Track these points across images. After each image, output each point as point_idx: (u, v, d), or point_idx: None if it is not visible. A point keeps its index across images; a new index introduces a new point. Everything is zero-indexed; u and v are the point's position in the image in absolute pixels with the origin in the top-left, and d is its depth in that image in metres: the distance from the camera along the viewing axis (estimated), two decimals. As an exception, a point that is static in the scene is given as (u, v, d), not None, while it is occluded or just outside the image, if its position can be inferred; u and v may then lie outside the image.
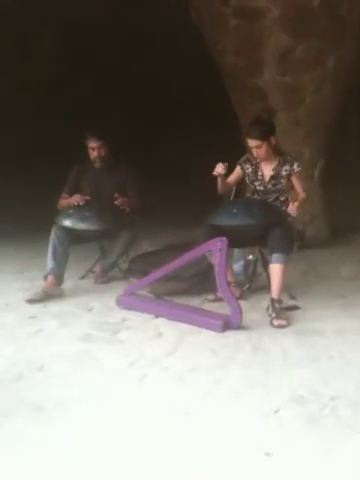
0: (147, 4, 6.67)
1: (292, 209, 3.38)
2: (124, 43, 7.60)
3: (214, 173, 3.48)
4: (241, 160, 3.72)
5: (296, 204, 3.40)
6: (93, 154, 4.10)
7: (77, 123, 4.93)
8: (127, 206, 3.92)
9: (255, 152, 3.55)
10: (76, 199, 3.98)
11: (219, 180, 3.56)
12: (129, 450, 1.91)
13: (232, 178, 3.73)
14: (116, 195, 3.89)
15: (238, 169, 3.73)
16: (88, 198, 3.98)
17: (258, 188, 3.66)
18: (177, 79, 7.41)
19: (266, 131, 3.54)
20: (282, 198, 3.62)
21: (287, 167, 3.57)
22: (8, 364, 2.66)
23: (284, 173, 3.57)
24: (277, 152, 3.60)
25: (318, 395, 2.27)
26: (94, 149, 4.08)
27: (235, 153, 3.82)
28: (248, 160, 3.69)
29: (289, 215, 3.48)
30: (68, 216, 3.86)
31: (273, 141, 3.54)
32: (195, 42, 5.09)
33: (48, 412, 2.18)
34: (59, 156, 5.84)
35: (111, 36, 7.41)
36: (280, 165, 3.58)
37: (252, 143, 3.52)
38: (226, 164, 3.47)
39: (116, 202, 3.88)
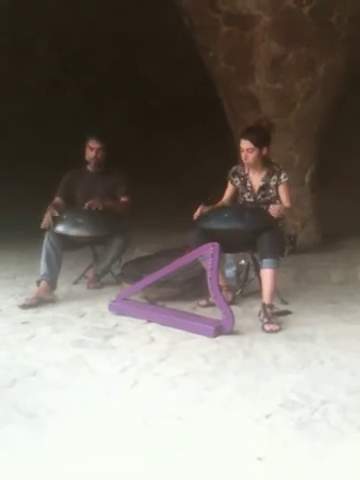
0: (146, 7, 6.69)
1: (273, 209, 3.35)
2: (123, 46, 7.63)
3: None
4: (229, 174, 3.72)
5: (278, 207, 3.39)
6: (90, 154, 4.13)
7: (75, 126, 4.95)
8: (99, 205, 3.90)
9: (244, 155, 3.53)
10: (47, 223, 3.83)
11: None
12: (122, 456, 1.92)
13: (227, 196, 3.74)
14: (88, 203, 3.89)
15: (230, 185, 3.73)
16: (57, 215, 3.91)
17: (248, 199, 3.66)
18: (175, 83, 7.44)
19: (262, 139, 3.53)
20: None
21: (275, 177, 3.57)
22: (1, 370, 2.66)
23: (272, 183, 3.57)
24: (266, 163, 3.60)
25: (309, 400, 2.29)
26: (92, 149, 4.11)
27: (232, 159, 3.85)
28: (236, 173, 3.70)
29: (280, 219, 3.51)
30: (61, 222, 3.86)
31: (265, 151, 3.53)
32: (194, 45, 5.12)
33: (41, 418, 2.19)
34: (55, 160, 5.85)
35: (110, 39, 7.43)
36: (269, 176, 3.58)
37: (245, 145, 3.50)
38: (204, 206, 3.49)
39: (87, 204, 3.88)
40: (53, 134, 7.46)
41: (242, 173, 3.67)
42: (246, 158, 3.53)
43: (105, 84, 7.73)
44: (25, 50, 7.36)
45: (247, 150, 3.51)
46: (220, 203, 3.70)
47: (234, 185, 3.72)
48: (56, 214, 3.87)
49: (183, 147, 7.53)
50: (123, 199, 4.13)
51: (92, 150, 4.12)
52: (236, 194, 3.75)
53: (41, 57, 7.58)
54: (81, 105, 7.37)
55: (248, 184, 3.65)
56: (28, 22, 7.04)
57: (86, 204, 3.90)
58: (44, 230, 3.88)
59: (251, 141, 3.49)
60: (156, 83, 7.62)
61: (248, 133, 3.55)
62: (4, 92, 6.92)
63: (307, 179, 5.13)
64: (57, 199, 4.12)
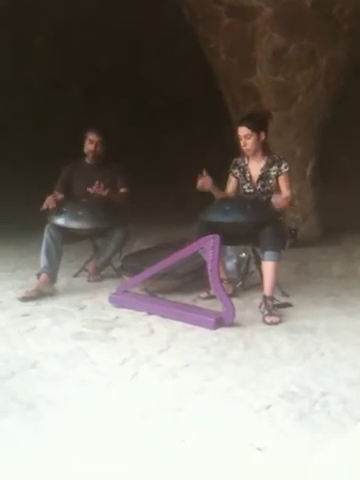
0: (146, 6, 6.67)
1: (277, 200, 3.36)
2: (123, 45, 7.60)
3: (200, 188, 3.46)
4: (230, 168, 3.71)
5: (281, 196, 3.39)
6: (89, 147, 4.13)
7: (75, 126, 4.92)
8: (102, 192, 3.87)
9: (243, 143, 3.52)
10: (48, 203, 3.84)
11: (214, 193, 3.55)
12: (121, 447, 1.92)
13: (230, 188, 3.72)
14: (90, 189, 3.86)
15: (232, 178, 3.72)
16: (61, 196, 3.93)
17: (247, 191, 3.65)
18: (176, 82, 7.41)
19: (258, 123, 3.54)
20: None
21: (275, 167, 3.55)
22: (0, 362, 2.65)
23: (272, 173, 3.55)
24: (265, 151, 3.58)
25: (309, 391, 2.29)
26: (92, 142, 4.12)
27: (232, 154, 3.84)
28: (236, 164, 3.69)
29: (281, 213, 3.50)
30: (61, 214, 3.85)
31: (263, 136, 3.53)
32: (195, 43, 5.11)
33: (40, 410, 2.18)
34: (54, 156, 5.84)
35: (110, 38, 7.40)
36: (268, 165, 3.56)
37: (242, 131, 3.51)
38: (206, 178, 3.45)
39: (92, 189, 3.86)
40: (53, 133, 7.44)
41: (242, 164, 3.67)
42: (245, 145, 3.53)
43: (105, 83, 7.71)
44: (25, 49, 7.33)
45: (245, 137, 3.51)
46: (225, 193, 3.67)
47: (235, 177, 3.70)
48: (59, 196, 3.85)
49: (183, 145, 7.51)
50: (122, 190, 4.13)
51: (91, 143, 4.12)
52: (238, 186, 3.74)
53: (41, 56, 7.55)
54: (81, 104, 7.36)
55: (247, 174, 3.64)
56: (28, 21, 7.02)
57: (91, 190, 3.87)
58: (44, 223, 3.87)
59: (248, 127, 3.49)
60: (156, 82, 7.59)
61: (244, 120, 3.57)
62: (4, 91, 6.90)
63: (308, 173, 5.12)
64: (56, 192, 4.10)
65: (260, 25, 4.62)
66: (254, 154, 3.57)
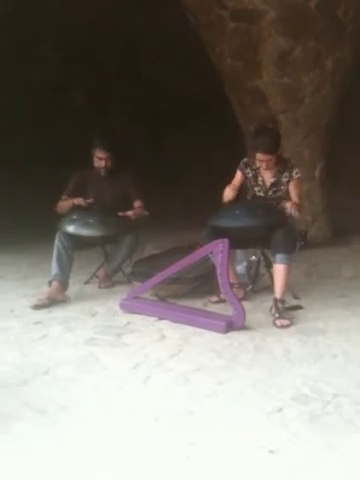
0: (148, 6, 6.71)
1: (287, 208, 3.39)
2: (127, 46, 7.64)
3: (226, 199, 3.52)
4: (241, 164, 3.68)
5: (290, 203, 3.40)
6: (99, 163, 4.09)
7: (79, 127, 4.96)
8: (132, 216, 3.93)
9: (264, 165, 3.50)
10: (79, 200, 3.95)
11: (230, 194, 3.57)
12: (134, 451, 1.93)
13: (236, 184, 3.69)
14: (121, 214, 3.94)
15: (239, 174, 3.69)
16: (91, 201, 3.98)
17: (258, 194, 3.65)
18: (180, 82, 7.44)
19: (277, 144, 3.52)
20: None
21: (287, 173, 3.55)
22: (14, 369, 2.68)
23: (284, 179, 3.56)
24: (278, 159, 3.57)
25: (321, 393, 2.29)
26: (101, 159, 4.07)
27: (238, 155, 3.85)
28: (248, 165, 3.66)
29: (290, 215, 3.50)
30: (71, 222, 3.86)
31: (279, 151, 3.55)
32: (198, 45, 5.13)
33: (53, 415, 2.20)
34: (62, 161, 5.87)
35: (114, 39, 7.44)
36: (280, 172, 3.57)
37: (263, 157, 3.47)
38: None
39: (121, 214, 3.92)
40: (59, 136, 7.48)
41: (254, 167, 3.64)
42: (267, 167, 3.52)
43: (109, 85, 7.74)
44: (28, 52, 7.39)
45: (267, 161, 3.49)
46: (231, 186, 3.62)
47: (245, 176, 3.67)
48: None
49: (189, 146, 7.52)
50: (137, 203, 4.09)
51: (101, 160, 4.07)
52: (244, 183, 3.71)
53: (45, 58, 7.60)
54: (85, 106, 7.39)
55: (259, 178, 3.63)
56: (31, 24, 7.07)
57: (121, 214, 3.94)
58: (55, 230, 3.88)
59: (269, 152, 3.46)
60: (161, 83, 7.62)
61: (262, 145, 3.46)
62: (8, 94, 6.95)
63: (317, 174, 5.11)
64: (65, 198, 4.12)
65: (265, 28, 4.63)
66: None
